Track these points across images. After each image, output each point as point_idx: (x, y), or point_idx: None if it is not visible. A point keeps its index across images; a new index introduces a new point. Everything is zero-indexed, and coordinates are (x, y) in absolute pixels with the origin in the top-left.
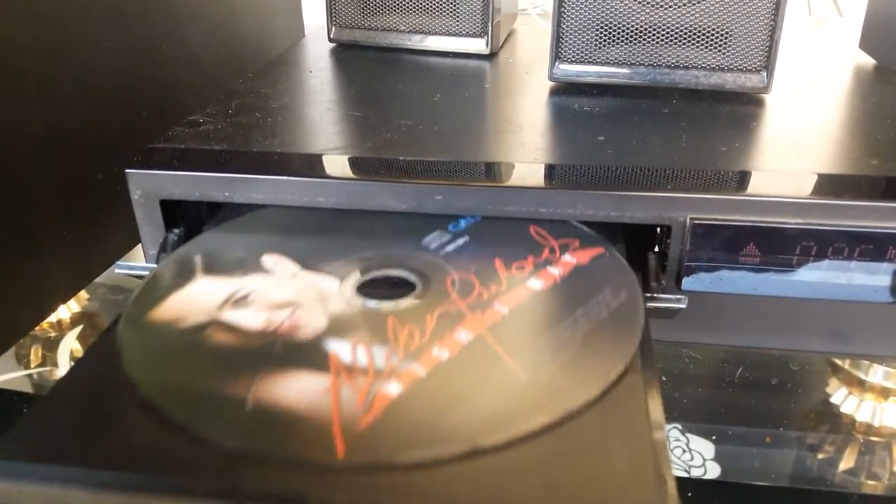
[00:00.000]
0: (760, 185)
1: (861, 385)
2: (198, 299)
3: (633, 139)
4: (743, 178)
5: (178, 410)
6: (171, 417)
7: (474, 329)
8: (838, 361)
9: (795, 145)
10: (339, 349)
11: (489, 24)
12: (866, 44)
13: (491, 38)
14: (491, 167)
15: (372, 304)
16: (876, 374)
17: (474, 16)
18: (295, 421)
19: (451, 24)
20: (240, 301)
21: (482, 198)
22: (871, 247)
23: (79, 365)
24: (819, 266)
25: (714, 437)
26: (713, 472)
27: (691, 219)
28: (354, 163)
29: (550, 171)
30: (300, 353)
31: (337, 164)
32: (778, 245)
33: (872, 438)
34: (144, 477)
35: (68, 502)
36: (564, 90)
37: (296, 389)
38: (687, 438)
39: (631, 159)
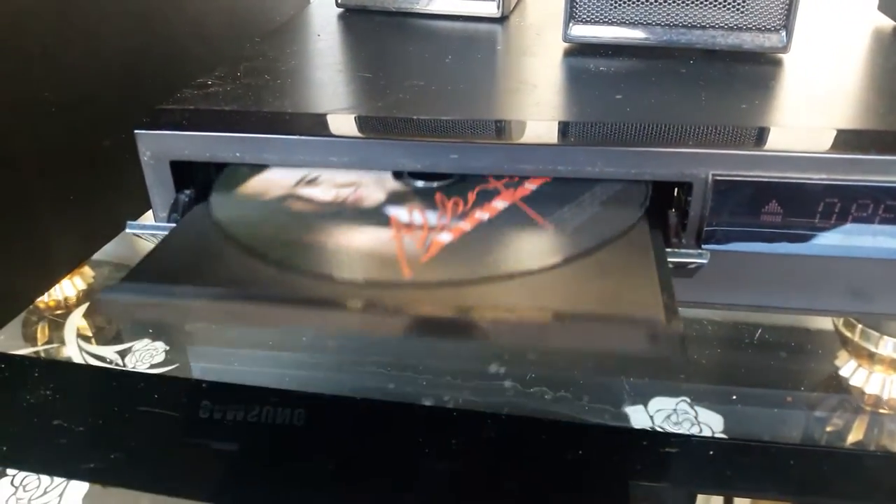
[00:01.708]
0: (782, 140)
1: (871, 357)
2: (275, 179)
3: (651, 98)
4: (764, 134)
5: (274, 251)
6: (268, 256)
7: (509, 199)
8: (847, 333)
9: (816, 102)
10: (398, 213)
11: None
12: (885, 5)
13: (502, 1)
14: (506, 125)
15: (421, 183)
16: (886, 346)
17: None
18: (368, 257)
19: None
20: (311, 182)
21: (498, 155)
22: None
23: (177, 230)
24: (842, 223)
25: (723, 410)
26: None
27: (713, 175)
28: (367, 122)
29: (567, 128)
30: (366, 215)
31: (348, 124)
32: (800, 202)
33: (881, 411)
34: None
35: (189, 312)
36: (579, 51)
37: (366, 237)
38: (696, 412)
39: (650, 117)
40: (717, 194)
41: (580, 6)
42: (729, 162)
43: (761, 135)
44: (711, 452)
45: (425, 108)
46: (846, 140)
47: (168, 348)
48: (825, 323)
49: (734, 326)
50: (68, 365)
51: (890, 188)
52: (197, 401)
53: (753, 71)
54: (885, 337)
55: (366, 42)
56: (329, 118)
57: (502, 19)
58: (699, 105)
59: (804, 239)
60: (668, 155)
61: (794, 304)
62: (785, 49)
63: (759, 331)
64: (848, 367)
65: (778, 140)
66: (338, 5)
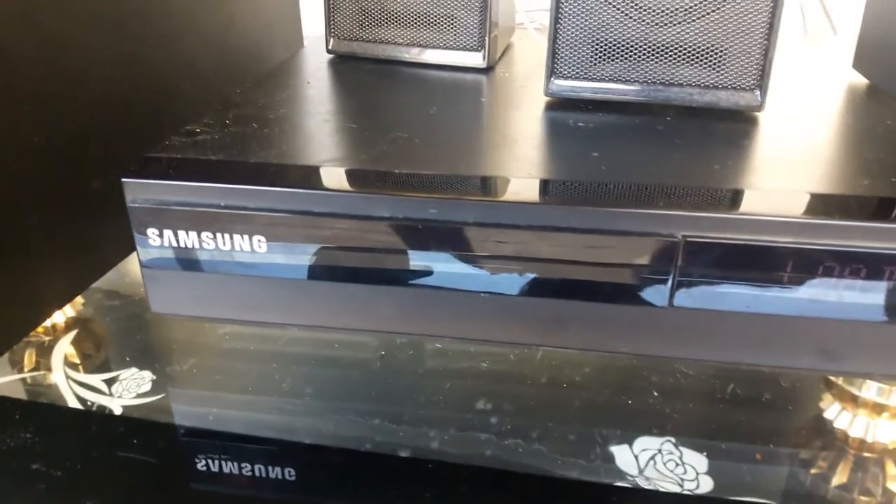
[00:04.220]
0: (753, 203)
1: (854, 401)
2: None
3: (627, 155)
4: (736, 197)
5: None
6: None
7: None
8: (832, 377)
9: (788, 164)
10: None
11: (486, 38)
12: (860, 64)
13: (488, 52)
14: (484, 181)
15: None
16: (869, 390)
17: (471, 30)
18: None
19: (448, 38)
20: None
21: (475, 211)
22: (862, 266)
23: None
24: (810, 284)
25: (707, 452)
26: (706, 485)
27: (683, 236)
28: (350, 175)
29: (544, 186)
30: None
31: (332, 176)
32: (770, 263)
33: (866, 454)
34: None
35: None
36: (560, 105)
37: None
38: (680, 452)
39: (624, 175)
40: (688, 254)
41: (561, 62)
42: (700, 224)
43: (734, 197)
44: None
45: (408, 161)
46: (813, 204)
47: (155, 378)
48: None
49: (714, 374)
50: (46, 406)
51: (856, 253)
52: (176, 446)
53: (729, 129)
54: (868, 381)
55: (354, 91)
56: (312, 170)
57: (488, 70)
58: (673, 164)
59: (772, 299)
60: (640, 216)
61: (765, 361)
62: (760, 107)
63: (733, 385)
64: (832, 410)
65: (748, 203)
66: (329, 51)
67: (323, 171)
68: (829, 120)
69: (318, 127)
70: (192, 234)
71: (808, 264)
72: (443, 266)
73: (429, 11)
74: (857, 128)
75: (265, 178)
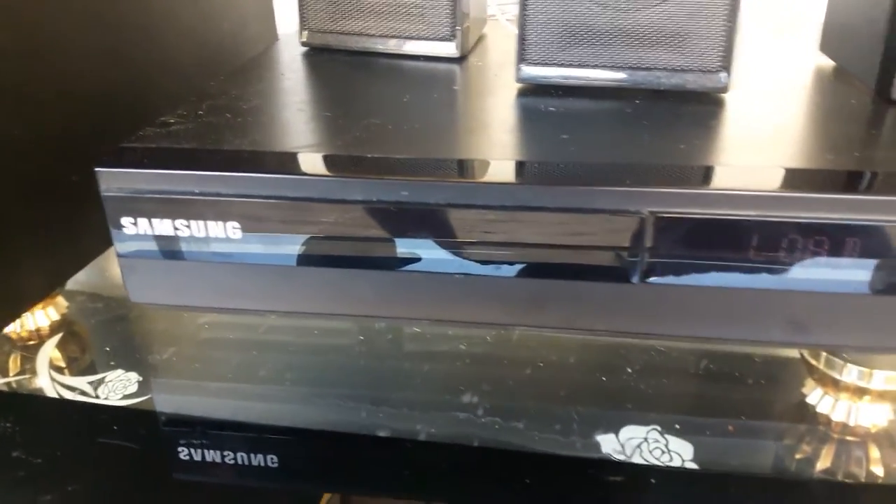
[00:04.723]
0: (718, 178)
1: (836, 385)
2: None
3: (597, 138)
4: (701, 173)
5: None
6: None
7: None
8: (813, 362)
9: (753, 142)
10: None
11: (457, 27)
12: (826, 46)
13: (460, 42)
14: (456, 164)
15: None
16: (850, 373)
17: (442, 20)
18: None
19: (420, 29)
20: None
21: (446, 193)
22: (828, 238)
23: None
24: (778, 257)
25: (693, 439)
26: None
27: (651, 212)
28: (322, 160)
29: (514, 167)
30: None
31: (305, 162)
32: (737, 237)
33: (848, 438)
34: None
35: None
36: (532, 91)
37: None
38: (666, 440)
39: (593, 156)
40: (656, 230)
41: (530, 49)
42: (666, 200)
43: (699, 173)
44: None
45: (381, 146)
46: (780, 178)
47: (141, 379)
48: (791, 352)
49: (700, 363)
50: (27, 397)
51: (823, 225)
52: (157, 433)
53: (696, 110)
54: (849, 364)
55: (328, 81)
56: (285, 156)
57: (461, 59)
58: (641, 144)
59: (741, 273)
60: (607, 193)
61: (736, 335)
62: (725, 89)
63: (705, 361)
64: (814, 395)
65: (714, 178)
66: (302, 44)
67: (296, 157)
68: (794, 100)
69: (292, 116)
70: (167, 222)
71: (774, 237)
72: (416, 249)
73: (400, 2)
74: (822, 107)
75: (238, 164)
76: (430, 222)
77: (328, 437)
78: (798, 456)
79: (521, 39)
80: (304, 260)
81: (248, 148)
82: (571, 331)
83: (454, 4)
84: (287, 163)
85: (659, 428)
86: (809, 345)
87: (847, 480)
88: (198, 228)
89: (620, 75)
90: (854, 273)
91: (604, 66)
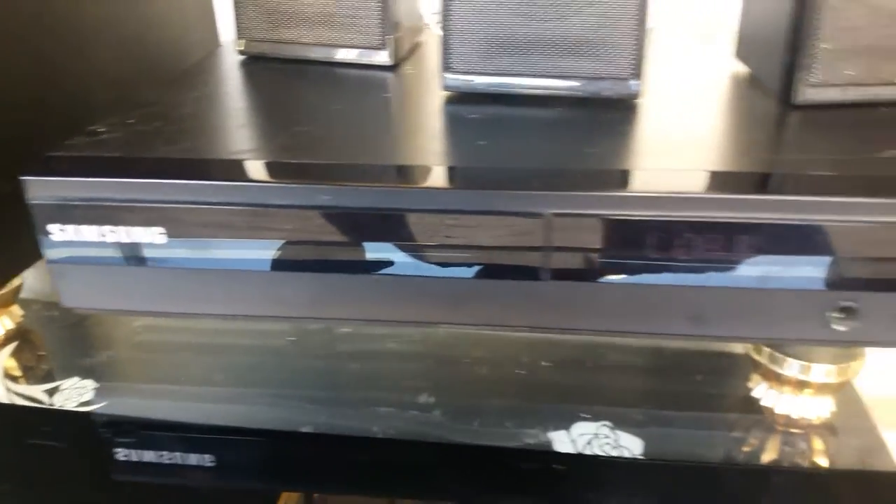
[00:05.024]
0: (617, 181)
1: (778, 379)
2: None
3: (512, 144)
4: (601, 176)
5: None
6: None
7: None
8: (757, 357)
9: (661, 146)
10: None
11: (388, 36)
12: (740, 54)
13: (392, 50)
14: (375, 169)
15: None
16: (791, 367)
17: (373, 29)
18: None
19: (352, 37)
20: None
21: (365, 197)
22: (722, 236)
23: None
24: (677, 255)
25: (642, 434)
26: None
27: (553, 213)
28: (245, 166)
29: (429, 171)
30: None
31: (228, 168)
32: (634, 236)
33: (792, 430)
34: None
35: None
36: (458, 99)
37: None
38: (617, 435)
39: (506, 161)
40: (558, 230)
41: (454, 57)
42: (569, 202)
43: (598, 176)
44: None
45: (305, 152)
46: (678, 180)
47: (97, 386)
48: (738, 348)
49: (648, 359)
50: None
51: (712, 223)
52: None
53: (610, 117)
54: (790, 359)
55: (261, 89)
56: (210, 163)
57: (394, 67)
58: (553, 150)
59: (638, 271)
60: (513, 196)
61: (642, 328)
62: (637, 95)
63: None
64: (759, 389)
65: (614, 181)
66: (239, 53)
67: (219, 163)
68: (705, 106)
69: (221, 123)
70: (93, 228)
71: (672, 236)
72: (339, 250)
73: (332, 11)
74: (730, 112)
75: (161, 171)
76: (349, 226)
77: (281, 437)
78: (746, 449)
79: (445, 49)
80: (229, 263)
81: (173, 156)
82: (489, 328)
83: (385, 14)
84: (210, 169)
85: (609, 424)
86: (713, 337)
87: (789, 469)
88: (123, 235)
89: (540, 83)
90: (754, 269)
91: (525, 75)
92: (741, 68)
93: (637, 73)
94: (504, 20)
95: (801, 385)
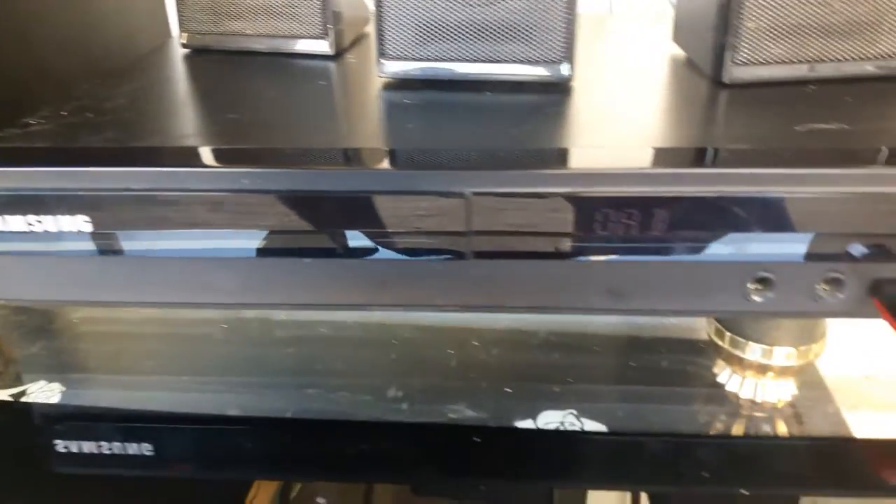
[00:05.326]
0: (537, 159)
1: (741, 363)
2: None
3: (441, 127)
4: (522, 154)
5: None
6: None
7: None
8: (718, 342)
9: (587, 126)
10: None
11: (329, 26)
12: (677, 37)
13: (333, 40)
14: (297, 152)
15: None
16: (753, 352)
17: (314, 18)
18: None
19: (294, 27)
20: None
21: (285, 180)
22: (638, 210)
23: None
24: (597, 230)
25: (606, 421)
26: None
27: (472, 192)
28: (168, 153)
29: (352, 154)
30: None
31: (150, 155)
32: (553, 213)
33: (756, 413)
34: None
35: None
36: (395, 86)
37: None
38: (582, 423)
39: (433, 143)
40: (477, 208)
41: (388, 44)
42: (487, 180)
43: (516, 156)
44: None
45: (233, 139)
46: (599, 157)
47: (65, 389)
48: (700, 333)
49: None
50: None
51: (626, 199)
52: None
53: (542, 100)
54: (752, 343)
55: (198, 80)
56: (133, 151)
57: (336, 56)
58: (479, 131)
59: (558, 247)
60: (433, 175)
61: (560, 303)
62: (569, 79)
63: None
64: (723, 374)
65: (531, 160)
66: (183, 46)
67: (142, 151)
68: (638, 88)
69: (153, 113)
70: (19, 218)
71: (588, 212)
72: (261, 235)
73: (273, 2)
74: (663, 94)
75: (85, 160)
76: (270, 210)
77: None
78: (711, 433)
79: (379, 36)
80: (156, 251)
81: (100, 145)
82: (414, 307)
83: (325, 4)
84: (132, 157)
85: (575, 412)
86: (636, 311)
87: (752, 448)
88: (50, 224)
89: (474, 68)
90: (673, 243)
91: (458, 60)
92: (678, 51)
93: (568, 56)
94: (436, 6)
95: (763, 368)
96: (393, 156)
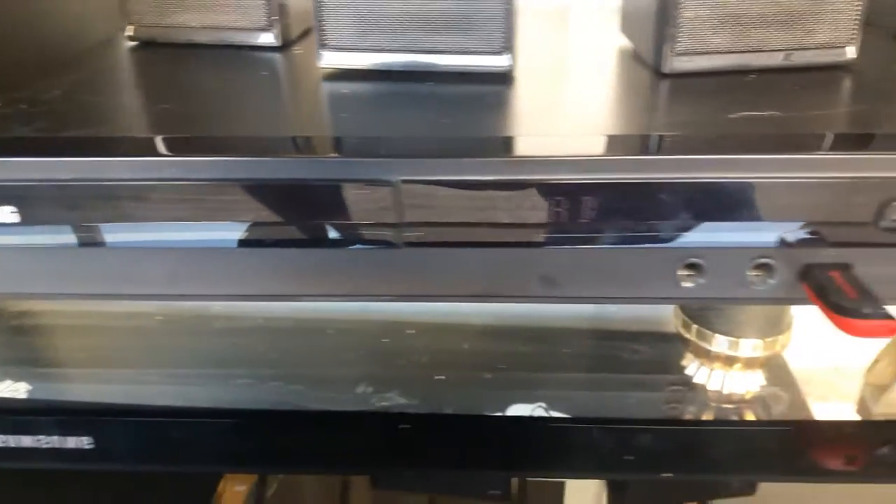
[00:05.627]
0: (466, 148)
1: (708, 355)
2: None
3: (376, 117)
4: (447, 144)
5: None
6: None
7: None
8: (686, 335)
9: (524, 115)
10: None
11: (274, 18)
12: (624, 29)
13: (279, 32)
14: (223, 141)
15: None
16: (720, 344)
17: (259, 10)
18: None
19: (239, 20)
20: None
21: (210, 169)
22: (565, 196)
23: None
24: (521, 217)
25: (575, 414)
26: None
27: (401, 179)
28: (94, 143)
29: (286, 142)
30: None
31: (75, 145)
32: (483, 200)
33: (724, 405)
34: None
35: None
36: (337, 76)
37: None
38: (550, 416)
39: (365, 132)
40: (407, 195)
41: (328, 34)
42: (415, 168)
43: (444, 144)
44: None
45: (166, 129)
46: (528, 146)
47: (31, 388)
48: (668, 326)
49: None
50: None
51: (554, 185)
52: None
53: (482, 90)
54: (718, 335)
55: (141, 72)
56: (59, 141)
57: (282, 48)
58: (412, 121)
59: (473, 235)
60: (364, 163)
61: (496, 291)
62: (510, 69)
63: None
64: (691, 367)
65: (460, 148)
66: (129, 38)
67: (67, 141)
68: (581, 78)
69: (89, 105)
70: None
71: (517, 200)
72: (188, 226)
73: None
74: (605, 84)
75: (11, 150)
76: (197, 199)
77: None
78: (682, 428)
79: (319, 26)
80: (84, 241)
81: (28, 134)
82: (346, 298)
83: None
84: (57, 147)
85: (544, 405)
86: (568, 298)
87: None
88: None
89: (414, 59)
90: (603, 230)
91: (398, 51)
92: (625, 42)
93: (508, 47)
94: None
95: (730, 360)
96: (322, 144)
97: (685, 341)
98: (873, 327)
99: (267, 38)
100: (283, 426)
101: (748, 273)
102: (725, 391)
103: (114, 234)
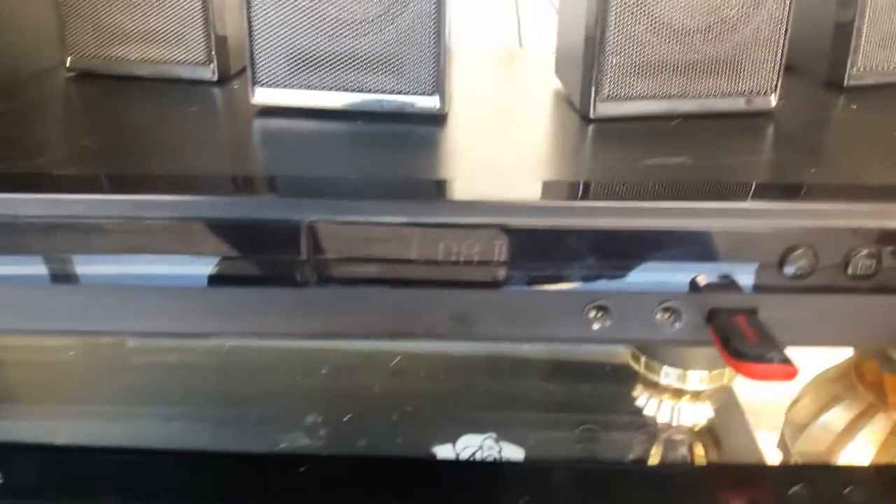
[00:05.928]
0: (372, 189)
1: (657, 387)
2: None
3: (302, 156)
4: (357, 185)
5: None
6: None
7: None
8: (635, 367)
9: (447, 158)
10: None
11: (213, 52)
12: (557, 71)
13: (216, 66)
14: (134, 178)
15: None
16: (668, 376)
17: (198, 45)
18: None
19: (178, 53)
20: None
21: (123, 207)
22: (478, 241)
23: None
24: (434, 259)
25: (526, 445)
26: None
27: (309, 221)
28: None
29: (191, 180)
30: None
31: None
32: (393, 241)
33: (674, 437)
34: None
35: None
36: (269, 113)
37: None
38: (500, 447)
39: (287, 171)
40: (313, 236)
41: (260, 71)
42: (322, 209)
43: (355, 185)
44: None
45: (80, 164)
46: (434, 188)
47: None
48: (620, 357)
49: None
50: None
51: (466, 226)
52: None
53: (411, 131)
54: (666, 367)
55: (72, 105)
56: None
57: (221, 83)
58: (331, 161)
59: (400, 274)
60: (273, 203)
61: (413, 329)
62: (441, 110)
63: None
64: (641, 398)
65: (367, 189)
66: (67, 69)
67: None
68: (509, 122)
69: (7, 138)
70: None
71: (423, 241)
72: (98, 260)
73: (158, 28)
74: (531, 128)
75: None
76: (106, 236)
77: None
78: (631, 456)
79: (251, 63)
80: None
81: None
82: (258, 336)
83: (209, 31)
84: None
85: (494, 435)
86: (480, 337)
87: (668, 469)
88: None
89: (346, 98)
90: (514, 272)
91: (329, 89)
92: (558, 85)
93: (438, 89)
94: (307, 35)
95: (679, 392)
96: (235, 182)
97: (635, 373)
98: (770, 371)
99: (205, 73)
100: (183, 465)
101: (655, 316)
102: (674, 423)
103: (22, 266)
